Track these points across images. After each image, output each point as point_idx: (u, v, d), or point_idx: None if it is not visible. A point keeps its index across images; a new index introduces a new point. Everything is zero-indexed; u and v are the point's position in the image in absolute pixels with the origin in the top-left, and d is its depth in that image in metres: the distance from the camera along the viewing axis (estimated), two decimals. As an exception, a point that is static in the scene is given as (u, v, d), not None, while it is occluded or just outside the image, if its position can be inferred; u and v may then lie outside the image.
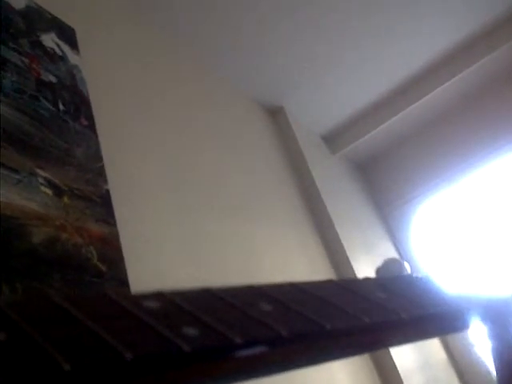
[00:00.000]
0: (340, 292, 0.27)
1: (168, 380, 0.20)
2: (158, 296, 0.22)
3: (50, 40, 1.41)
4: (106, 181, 1.31)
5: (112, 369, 0.18)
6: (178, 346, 0.19)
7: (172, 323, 0.21)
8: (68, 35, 1.50)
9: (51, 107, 1.29)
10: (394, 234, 3.04)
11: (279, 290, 0.25)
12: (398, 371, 2.09)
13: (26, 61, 1.29)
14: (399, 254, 2.93)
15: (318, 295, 0.26)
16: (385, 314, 0.27)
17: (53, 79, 1.34)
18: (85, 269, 1.11)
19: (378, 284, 0.31)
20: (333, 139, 3.11)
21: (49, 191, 1.14)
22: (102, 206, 1.26)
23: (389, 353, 2.10)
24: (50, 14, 1.47)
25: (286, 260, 2.00)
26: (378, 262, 0.47)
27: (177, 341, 0.20)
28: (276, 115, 2.78)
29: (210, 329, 0.21)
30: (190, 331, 0.20)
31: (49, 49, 1.39)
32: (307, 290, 0.26)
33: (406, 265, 0.42)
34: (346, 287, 0.28)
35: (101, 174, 1.32)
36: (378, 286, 0.30)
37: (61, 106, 1.32)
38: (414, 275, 0.38)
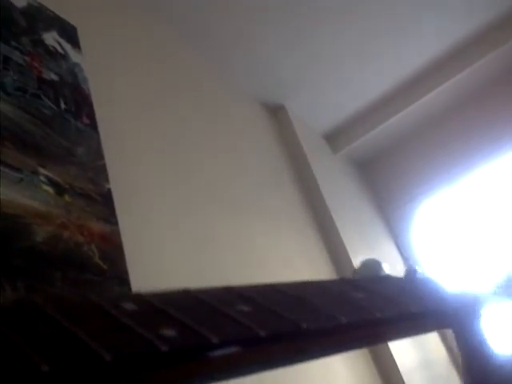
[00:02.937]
0: (317, 292, 0.28)
1: (147, 380, 0.20)
2: (136, 297, 0.22)
3: (51, 38, 1.42)
4: (107, 179, 1.32)
5: (91, 370, 0.19)
6: (156, 347, 0.20)
7: (150, 324, 0.21)
8: (70, 33, 1.50)
9: (53, 106, 1.29)
10: (395, 233, 3.04)
11: (256, 290, 0.26)
12: (398, 369, 2.09)
13: (28, 59, 1.30)
14: (401, 252, 2.93)
15: (296, 295, 0.26)
16: (361, 313, 0.27)
17: (54, 77, 1.35)
18: (86, 267, 1.12)
19: (355, 284, 0.32)
20: (334, 138, 3.10)
21: (50, 189, 1.14)
22: (104, 204, 1.26)
23: (389, 351, 2.10)
24: (52, 12, 1.47)
25: (287, 259, 2.00)
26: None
27: (155, 341, 0.20)
28: (277, 114, 2.78)
29: (187, 329, 0.21)
30: (168, 332, 0.21)
31: (50, 47, 1.40)
32: (284, 291, 0.26)
33: (385, 265, 0.42)
34: (324, 287, 0.28)
35: (102, 172, 1.32)
36: (355, 286, 0.31)
37: (62, 105, 1.32)
38: (393, 275, 0.38)
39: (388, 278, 0.37)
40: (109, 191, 1.30)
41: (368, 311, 0.27)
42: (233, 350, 0.22)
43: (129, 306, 0.22)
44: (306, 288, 0.28)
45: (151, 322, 0.21)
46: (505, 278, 0.45)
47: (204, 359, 0.21)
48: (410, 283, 0.35)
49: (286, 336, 0.23)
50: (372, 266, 0.41)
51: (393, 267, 0.46)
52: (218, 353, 0.21)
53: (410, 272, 0.39)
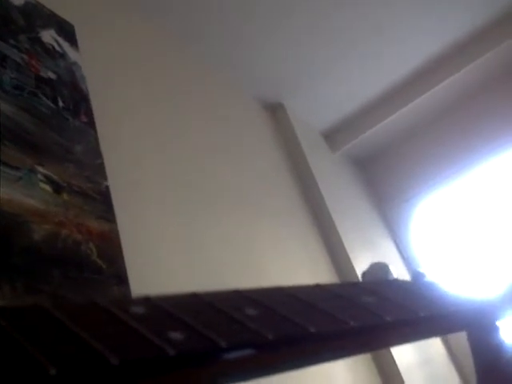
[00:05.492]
0: (326, 296, 0.27)
1: (154, 384, 0.20)
2: (145, 301, 0.22)
3: (49, 36, 1.41)
4: (105, 177, 1.31)
5: (98, 373, 0.19)
6: (163, 351, 0.20)
7: (158, 328, 0.21)
8: (67, 31, 1.49)
9: (51, 104, 1.29)
10: (394, 231, 3.04)
11: (265, 294, 0.25)
12: (397, 367, 2.09)
13: (25, 57, 1.29)
14: (399, 251, 2.93)
15: (304, 299, 0.26)
16: (370, 317, 0.27)
17: (52, 76, 1.34)
18: (84, 265, 1.12)
19: (364, 288, 0.31)
20: (333, 137, 3.10)
21: (48, 188, 1.14)
22: (102, 202, 1.26)
23: (388, 349, 2.10)
24: (49, 10, 1.47)
25: (286, 258, 2.00)
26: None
27: (162, 345, 0.20)
28: (276, 112, 2.78)
29: (195, 333, 0.21)
30: (176, 336, 0.21)
31: (48, 45, 1.39)
32: (293, 295, 0.26)
33: (392, 268, 0.42)
34: (333, 291, 0.28)
35: (100, 170, 1.32)
36: (364, 290, 0.30)
37: (60, 103, 1.32)
38: (401, 279, 0.38)
39: (396, 281, 0.37)
40: (107, 189, 1.30)
41: (378, 315, 0.27)
42: (241, 353, 0.21)
43: (137, 309, 0.21)
44: (314, 292, 0.28)
45: (159, 325, 0.21)
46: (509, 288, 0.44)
47: (212, 363, 0.21)
48: (418, 287, 0.35)
49: (294, 340, 0.23)
50: (380, 269, 0.40)
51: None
52: (226, 357, 0.21)
53: (418, 276, 0.39)
